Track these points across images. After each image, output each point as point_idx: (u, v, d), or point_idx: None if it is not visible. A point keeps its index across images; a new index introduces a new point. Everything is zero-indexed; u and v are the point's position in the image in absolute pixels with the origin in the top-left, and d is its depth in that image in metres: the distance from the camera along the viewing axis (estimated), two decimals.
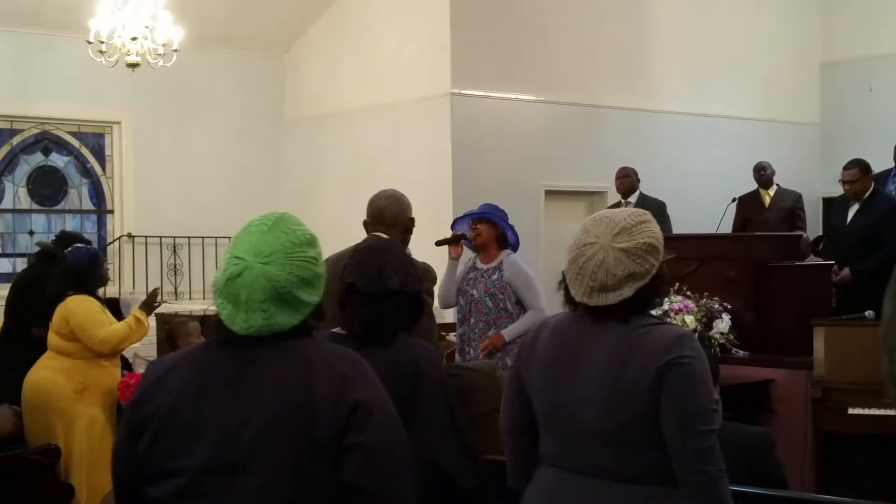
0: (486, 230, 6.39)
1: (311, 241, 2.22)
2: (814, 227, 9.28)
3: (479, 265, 6.44)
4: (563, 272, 2.87)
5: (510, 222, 6.53)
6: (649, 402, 2.63)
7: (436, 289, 5.21)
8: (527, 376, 2.91)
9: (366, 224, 4.57)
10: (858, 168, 8.09)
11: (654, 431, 2.65)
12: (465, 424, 3.28)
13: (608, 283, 2.70)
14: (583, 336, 2.79)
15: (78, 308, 5.91)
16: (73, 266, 6.04)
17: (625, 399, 2.66)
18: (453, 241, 6.44)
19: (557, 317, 2.97)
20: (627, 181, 9.87)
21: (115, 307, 6.57)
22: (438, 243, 6.44)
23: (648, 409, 2.64)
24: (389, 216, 4.53)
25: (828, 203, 8.84)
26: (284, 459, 2.03)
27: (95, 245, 10.84)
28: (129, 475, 2.21)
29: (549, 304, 6.33)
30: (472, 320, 6.38)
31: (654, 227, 2.80)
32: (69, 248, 6.27)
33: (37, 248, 7.27)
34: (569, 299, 2.85)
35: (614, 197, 10.14)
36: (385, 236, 4.44)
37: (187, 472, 2.08)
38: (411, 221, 4.61)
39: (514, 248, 6.51)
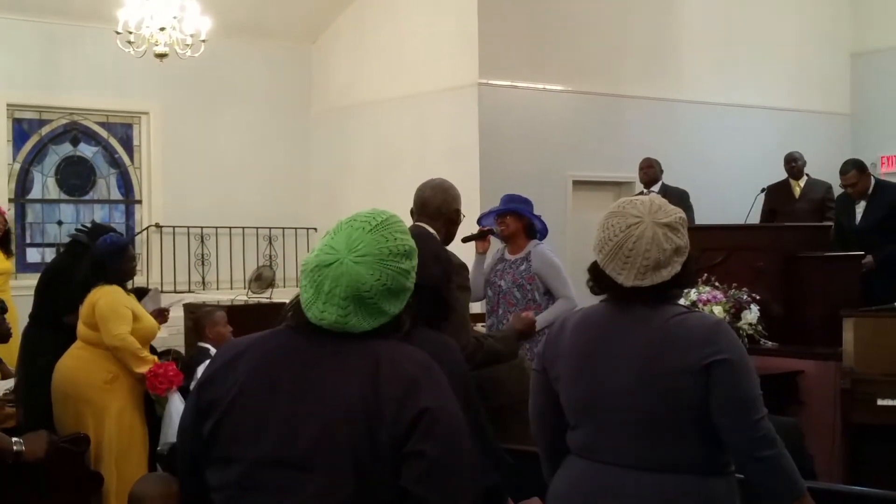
0: (513, 222, 6.37)
1: (409, 254, 2.16)
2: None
3: (508, 256, 6.43)
4: (590, 268, 2.89)
5: (536, 211, 6.51)
6: (689, 394, 2.66)
7: None
8: (553, 372, 2.92)
9: (412, 212, 4.54)
10: (856, 169, 8.10)
11: (691, 421, 2.67)
12: (486, 422, 3.25)
13: (661, 260, 2.74)
14: (613, 326, 2.81)
15: (105, 298, 5.91)
16: (101, 255, 6.05)
17: (662, 388, 2.68)
18: (480, 237, 6.42)
19: (581, 311, 3.00)
20: (651, 171, 9.88)
21: (142, 296, 6.59)
22: (465, 240, 6.41)
23: (688, 399, 2.66)
24: (433, 207, 4.47)
25: None
26: (347, 459, 2.00)
27: (124, 235, 10.94)
28: (192, 455, 2.19)
29: (578, 294, 6.33)
30: (501, 311, 6.37)
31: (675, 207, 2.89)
32: (100, 238, 6.30)
33: (68, 239, 7.28)
34: (605, 287, 2.84)
35: (641, 187, 10.12)
36: (428, 227, 4.41)
37: (249, 462, 2.07)
38: (456, 213, 4.55)
39: (543, 235, 6.49)
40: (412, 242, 2.19)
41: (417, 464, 2.00)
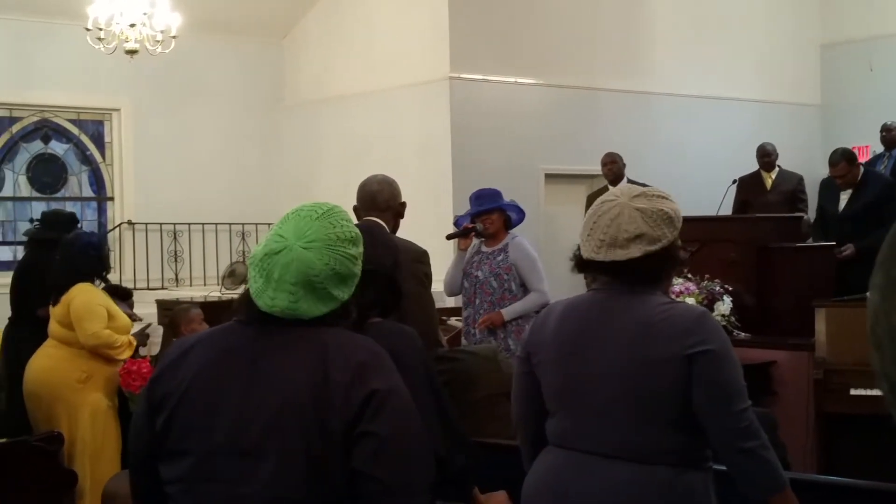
0: (497, 219, 6.43)
1: (356, 240, 2.21)
2: (815, 207, 9.28)
3: (484, 248, 6.47)
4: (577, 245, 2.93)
5: (507, 198, 6.57)
6: (671, 383, 2.67)
7: (439, 276, 5.22)
8: (537, 358, 2.92)
9: (356, 209, 4.58)
10: (845, 161, 8.07)
11: (672, 412, 2.69)
12: (450, 406, 3.27)
13: (618, 239, 2.74)
14: (599, 315, 2.82)
15: (79, 297, 5.89)
16: (78, 253, 6.01)
17: (645, 377, 2.70)
18: (463, 235, 6.47)
19: (568, 299, 3.00)
20: (615, 167, 9.85)
21: (115, 292, 6.56)
22: (450, 237, 6.55)
23: (670, 389, 2.68)
24: (382, 201, 4.55)
25: None
26: (297, 445, 2.03)
27: (96, 231, 10.89)
28: (144, 451, 2.21)
29: (551, 287, 6.36)
30: (478, 301, 6.40)
31: (674, 205, 2.85)
32: (73, 234, 6.28)
33: (25, 237, 7.26)
34: (578, 262, 2.87)
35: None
36: (379, 221, 4.44)
37: (201, 454, 2.09)
38: (402, 206, 4.64)
39: (520, 221, 6.57)
40: (357, 230, 2.24)
41: (368, 444, 2.03)
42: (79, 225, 7.45)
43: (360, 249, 2.22)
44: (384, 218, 4.50)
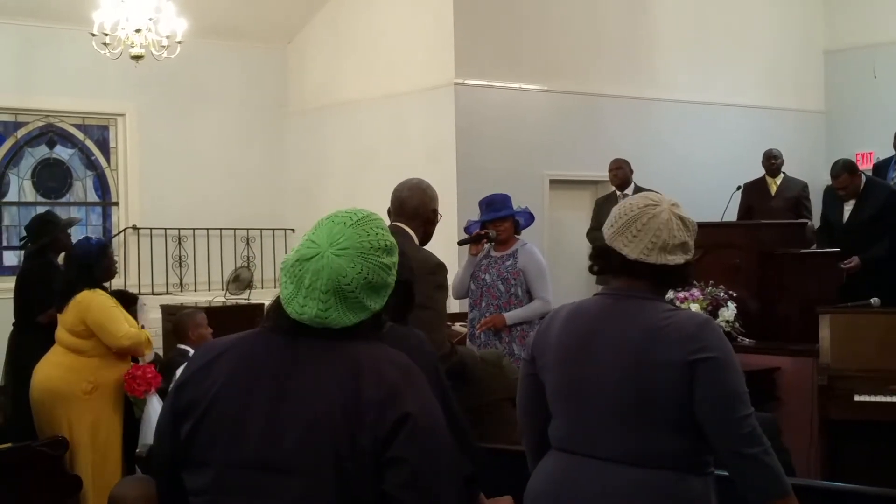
0: (509, 225, 6.45)
1: (390, 250, 2.15)
2: (819, 215, 9.26)
3: (493, 253, 6.50)
4: (593, 248, 2.97)
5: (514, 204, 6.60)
6: (672, 388, 2.69)
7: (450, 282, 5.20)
8: (542, 361, 2.94)
9: (389, 213, 4.54)
10: (846, 172, 7.99)
11: (672, 417, 2.70)
12: (460, 414, 3.27)
13: (668, 244, 2.80)
14: (603, 319, 2.84)
15: (93, 304, 5.89)
16: (84, 257, 6.03)
17: (646, 381, 2.71)
18: (475, 241, 6.48)
19: (573, 303, 3.01)
20: (621, 173, 9.84)
21: (121, 297, 6.58)
22: (461, 243, 6.57)
23: (670, 394, 2.69)
24: (410, 207, 4.47)
25: None
26: (327, 462, 1.98)
27: (101, 236, 10.91)
28: (168, 458, 2.16)
29: (557, 291, 6.38)
30: (483, 304, 6.42)
31: None
32: (76, 242, 6.34)
33: (20, 242, 7.35)
34: (605, 266, 2.90)
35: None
36: (405, 227, 4.40)
37: (227, 466, 2.05)
38: (434, 214, 4.54)
39: (527, 226, 6.59)
40: (392, 239, 2.18)
41: (401, 470, 1.99)
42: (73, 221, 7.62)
43: (395, 259, 2.16)
44: (412, 225, 4.42)
